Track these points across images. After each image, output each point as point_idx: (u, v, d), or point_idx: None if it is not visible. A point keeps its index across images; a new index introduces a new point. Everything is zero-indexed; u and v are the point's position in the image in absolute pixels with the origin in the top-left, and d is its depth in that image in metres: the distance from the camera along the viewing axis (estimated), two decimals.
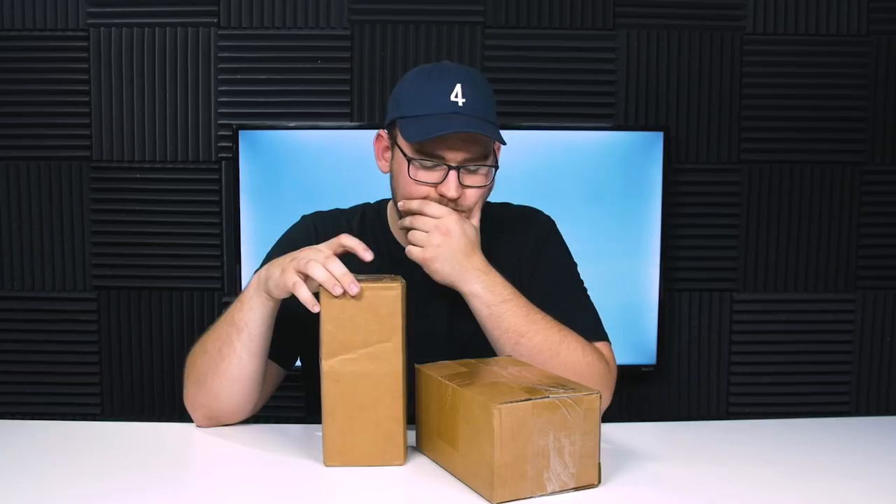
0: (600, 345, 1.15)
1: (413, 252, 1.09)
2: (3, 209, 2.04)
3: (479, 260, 1.09)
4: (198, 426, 1.09)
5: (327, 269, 0.92)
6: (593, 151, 1.99)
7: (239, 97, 2.03)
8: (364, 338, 0.92)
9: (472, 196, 1.10)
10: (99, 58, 2.01)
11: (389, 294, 0.92)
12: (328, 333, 0.92)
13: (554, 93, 2.05)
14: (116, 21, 2.01)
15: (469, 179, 1.09)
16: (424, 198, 1.09)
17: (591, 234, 1.96)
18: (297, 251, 0.99)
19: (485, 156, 1.09)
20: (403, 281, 0.95)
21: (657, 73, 2.07)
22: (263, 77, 2.03)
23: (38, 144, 2.03)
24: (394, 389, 0.92)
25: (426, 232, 1.07)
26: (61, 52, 2.01)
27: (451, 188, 1.07)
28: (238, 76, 2.03)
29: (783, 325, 2.12)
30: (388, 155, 1.16)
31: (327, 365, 0.92)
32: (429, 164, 1.08)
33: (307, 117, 2.02)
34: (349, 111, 2.05)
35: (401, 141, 1.10)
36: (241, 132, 1.94)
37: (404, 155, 1.09)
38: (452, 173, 1.07)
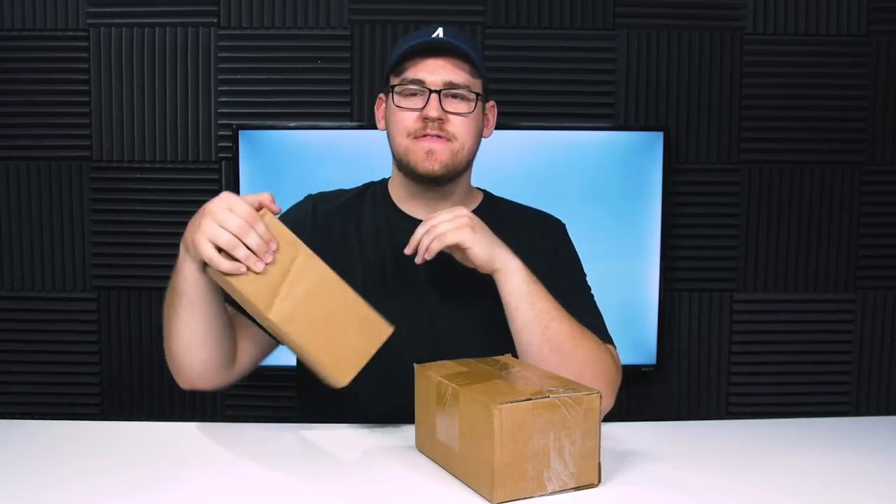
0: (609, 347, 1.15)
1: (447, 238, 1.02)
2: (3, 209, 2.04)
3: (502, 240, 1.08)
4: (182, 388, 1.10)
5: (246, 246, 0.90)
6: (593, 151, 1.99)
7: (239, 97, 2.04)
8: (278, 270, 0.91)
9: (457, 123, 1.13)
10: (99, 58, 2.01)
11: (263, 220, 0.92)
12: (251, 294, 0.90)
13: (554, 93, 2.05)
14: (116, 21, 2.01)
15: (452, 105, 1.13)
16: (412, 133, 1.11)
17: (591, 234, 1.95)
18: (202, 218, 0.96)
19: (467, 84, 1.13)
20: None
21: (657, 73, 2.07)
22: (263, 77, 2.03)
23: (38, 144, 2.03)
24: (334, 284, 0.93)
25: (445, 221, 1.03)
26: (61, 52, 2.01)
27: (431, 107, 1.11)
28: (238, 76, 2.03)
29: (783, 325, 2.12)
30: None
31: (274, 316, 0.90)
32: (411, 88, 1.12)
33: (307, 117, 2.02)
34: (349, 111, 2.05)
35: (391, 79, 1.16)
36: (241, 132, 1.95)
37: (390, 88, 1.14)
38: (434, 95, 1.11)
